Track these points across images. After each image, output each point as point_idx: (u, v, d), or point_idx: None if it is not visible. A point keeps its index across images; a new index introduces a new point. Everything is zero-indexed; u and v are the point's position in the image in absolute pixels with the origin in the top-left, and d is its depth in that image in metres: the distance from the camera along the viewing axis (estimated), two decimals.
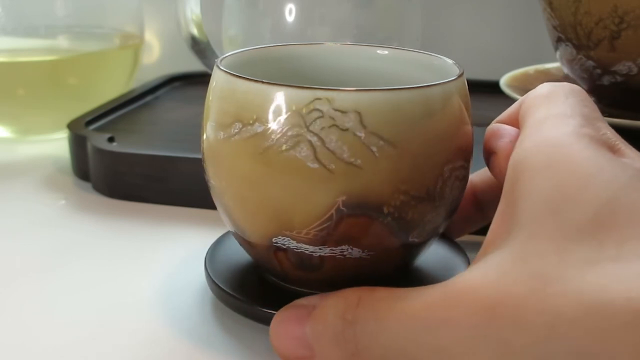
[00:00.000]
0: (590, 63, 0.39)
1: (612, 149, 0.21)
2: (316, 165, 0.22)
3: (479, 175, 0.29)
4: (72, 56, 0.50)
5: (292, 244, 0.23)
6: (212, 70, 0.25)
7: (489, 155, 0.25)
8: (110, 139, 0.40)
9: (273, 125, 0.22)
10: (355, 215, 0.22)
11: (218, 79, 0.24)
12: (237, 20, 0.44)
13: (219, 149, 0.24)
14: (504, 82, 0.43)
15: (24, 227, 0.36)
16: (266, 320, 0.24)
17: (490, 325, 0.18)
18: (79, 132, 0.41)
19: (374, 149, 0.22)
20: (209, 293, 0.28)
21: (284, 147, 0.22)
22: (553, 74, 0.47)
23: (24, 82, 0.48)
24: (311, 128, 0.21)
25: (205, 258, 0.28)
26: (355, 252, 0.23)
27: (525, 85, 0.43)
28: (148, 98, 0.52)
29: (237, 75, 0.23)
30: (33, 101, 0.48)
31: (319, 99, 0.21)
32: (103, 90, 0.51)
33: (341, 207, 0.22)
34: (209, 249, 0.28)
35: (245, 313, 0.25)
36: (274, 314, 0.23)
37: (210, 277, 0.26)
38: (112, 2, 0.53)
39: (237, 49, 0.28)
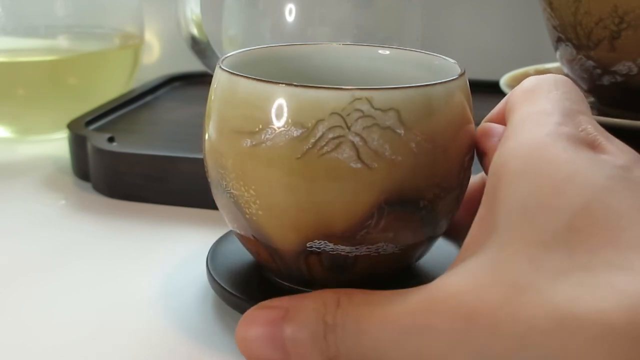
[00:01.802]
0: (590, 63, 0.39)
1: (592, 146, 0.21)
2: (359, 165, 0.22)
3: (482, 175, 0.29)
4: (72, 56, 0.50)
5: (329, 247, 0.23)
6: (212, 70, 0.25)
7: (481, 156, 0.25)
8: (110, 139, 0.40)
9: (311, 128, 0.22)
10: (394, 212, 0.23)
11: (234, 84, 0.23)
12: (237, 20, 0.44)
13: (246, 157, 0.23)
14: (504, 82, 0.43)
15: (24, 227, 0.36)
16: None
17: (467, 332, 0.18)
18: (79, 132, 0.41)
19: (413, 145, 0.22)
20: (210, 293, 0.28)
21: (325, 150, 0.22)
22: (553, 74, 0.47)
23: (24, 82, 0.48)
24: (353, 129, 0.21)
25: (207, 258, 0.28)
26: (390, 248, 0.24)
27: None
28: (148, 98, 0.52)
29: (265, 81, 0.22)
30: (33, 101, 0.48)
31: (359, 99, 0.21)
32: (103, 90, 0.50)
33: (383, 205, 0.22)
34: (210, 248, 0.28)
35: (245, 311, 0.25)
36: None
37: (213, 276, 0.26)
38: (112, 2, 0.53)
39: (237, 49, 0.28)
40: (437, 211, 0.24)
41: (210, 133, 0.25)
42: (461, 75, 0.24)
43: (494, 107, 0.27)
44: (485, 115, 0.27)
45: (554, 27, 0.41)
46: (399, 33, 0.44)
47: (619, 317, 0.16)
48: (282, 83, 0.22)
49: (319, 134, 0.21)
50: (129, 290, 0.29)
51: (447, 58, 0.27)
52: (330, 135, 0.21)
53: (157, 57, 0.67)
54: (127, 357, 0.24)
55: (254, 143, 0.22)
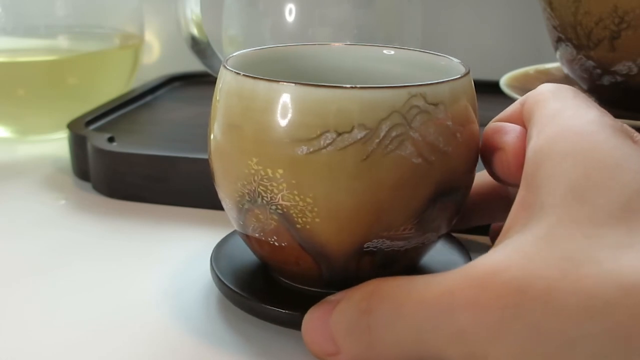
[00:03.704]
0: (590, 63, 0.39)
1: (633, 140, 0.21)
2: (419, 160, 0.22)
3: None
4: (72, 56, 0.50)
5: (385, 244, 0.23)
6: (212, 70, 0.25)
7: (493, 152, 0.25)
8: (110, 139, 0.40)
9: (375, 128, 0.22)
10: (442, 202, 0.24)
11: (274, 93, 0.22)
12: (237, 20, 0.44)
13: (302, 165, 0.22)
14: (504, 82, 0.43)
15: (24, 227, 0.36)
16: (274, 318, 0.24)
17: (519, 308, 0.18)
18: (79, 132, 0.41)
19: (458, 135, 0.23)
20: (213, 292, 0.28)
21: (389, 149, 0.22)
22: (553, 74, 0.47)
23: (24, 82, 0.48)
24: (412, 125, 0.22)
25: (211, 258, 0.28)
26: (433, 237, 0.25)
27: (525, 85, 0.43)
28: (148, 98, 0.52)
29: (321, 85, 0.22)
30: (33, 101, 0.48)
31: (415, 95, 0.22)
32: (103, 90, 0.50)
33: (436, 197, 0.23)
34: (214, 248, 0.28)
35: (252, 311, 0.25)
36: (282, 311, 0.23)
37: (217, 275, 0.26)
38: (112, 2, 0.53)
39: (237, 49, 0.28)
40: (465, 198, 0.25)
41: (234, 147, 0.23)
42: (468, 72, 0.25)
43: (493, 106, 0.27)
44: (485, 115, 0.27)
45: (554, 27, 0.41)
46: (399, 33, 0.44)
47: None
48: (339, 86, 0.22)
49: (382, 134, 0.22)
50: (130, 290, 0.29)
51: (451, 58, 0.27)
52: (393, 134, 0.22)
53: (157, 57, 0.67)
54: (131, 357, 0.24)
55: (311, 150, 0.22)
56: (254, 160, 0.23)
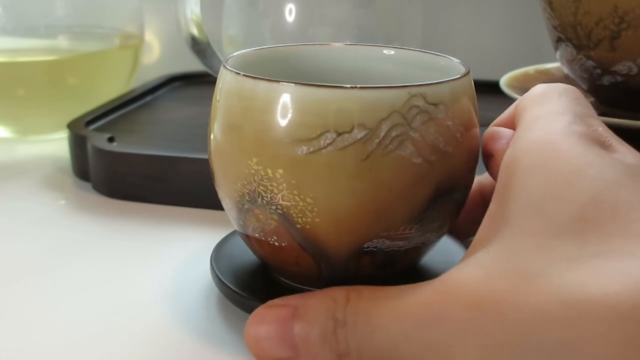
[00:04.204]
0: (590, 63, 0.39)
1: (603, 145, 0.21)
2: (419, 160, 0.22)
3: (487, 176, 0.29)
4: (72, 56, 0.50)
5: (385, 244, 0.23)
6: (212, 70, 0.25)
7: (488, 158, 0.25)
8: (110, 139, 0.40)
9: (375, 128, 0.22)
10: (442, 202, 0.24)
11: (274, 93, 0.22)
12: (237, 20, 0.44)
13: (302, 165, 0.22)
14: (504, 82, 0.43)
15: (24, 227, 0.36)
16: None
17: (477, 321, 0.18)
18: (79, 132, 0.41)
19: (458, 135, 0.23)
20: (213, 292, 0.28)
21: (389, 148, 0.22)
22: (553, 74, 0.47)
23: (24, 82, 0.48)
24: (412, 125, 0.22)
25: (211, 258, 0.28)
26: (433, 237, 0.25)
27: (525, 85, 0.43)
28: (148, 98, 0.52)
29: (321, 85, 0.22)
30: (33, 101, 0.48)
31: (415, 95, 0.22)
32: (103, 90, 0.50)
33: (437, 197, 0.23)
34: (214, 248, 0.28)
35: (252, 311, 0.25)
36: None
37: (217, 275, 0.26)
38: (112, 2, 0.53)
39: (237, 49, 0.28)
40: (466, 197, 0.25)
41: (234, 147, 0.23)
42: (468, 72, 0.25)
43: (493, 107, 0.27)
44: (485, 116, 0.27)
45: (554, 27, 0.41)
46: (399, 33, 0.44)
47: (626, 300, 0.16)
48: (339, 86, 0.22)
49: (382, 134, 0.22)
50: (130, 290, 0.29)
51: (451, 58, 0.27)
52: (393, 134, 0.22)
53: (157, 57, 0.67)
54: (131, 357, 0.24)
55: (311, 150, 0.22)
56: (254, 160, 0.23)
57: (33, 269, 0.31)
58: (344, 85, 0.22)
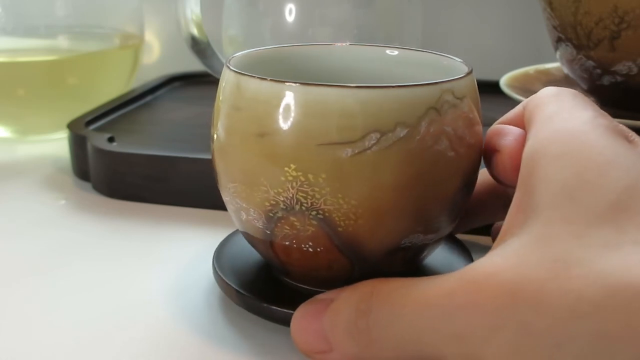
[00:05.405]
0: (590, 63, 0.39)
1: (627, 139, 0.22)
2: (452, 154, 0.23)
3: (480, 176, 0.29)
4: (72, 56, 0.50)
5: (419, 239, 0.24)
6: (212, 70, 0.25)
7: (492, 154, 0.25)
8: (110, 139, 0.40)
9: (415, 125, 0.22)
10: (463, 193, 0.24)
11: (313, 96, 0.22)
12: (237, 20, 0.44)
13: (347, 168, 0.22)
14: (504, 82, 0.43)
15: (24, 227, 0.36)
16: (276, 318, 0.24)
17: (511, 309, 0.18)
18: (79, 132, 0.41)
19: (477, 127, 0.24)
20: (213, 292, 0.28)
21: (428, 144, 0.22)
22: (553, 74, 0.47)
23: (24, 82, 0.48)
24: (446, 120, 0.23)
25: (213, 258, 0.28)
26: (451, 227, 0.25)
27: (525, 85, 0.43)
28: (148, 98, 0.52)
29: (364, 87, 0.22)
30: (33, 101, 0.48)
31: (445, 91, 0.23)
32: (103, 90, 0.51)
33: (463, 185, 0.24)
34: (217, 248, 0.28)
35: (255, 310, 0.25)
36: (284, 311, 0.23)
37: (220, 274, 0.26)
38: (112, 2, 0.53)
39: (237, 49, 0.28)
40: (473, 190, 0.26)
41: (264, 156, 0.23)
42: (471, 71, 0.25)
43: (493, 106, 0.27)
44: (485, 115, 0.27)
45: (554, 27, 0.41)
46: (399, 33, 0.44)
47: None
48: (378, 86, 0.22)
49: (422, 130, 0.22)
50: (131, 290, 0.29)
51: (453, 57, 0.27)
52: (431, 130, 0.22)
53: (157, 57, 0.67)
54: (132, 357, 0.24)
55: (356, 152, 0.22)
56: (292, 166, 0.22)
57: (33, 269, 0.31)
58: (383, 85, 0.22)
